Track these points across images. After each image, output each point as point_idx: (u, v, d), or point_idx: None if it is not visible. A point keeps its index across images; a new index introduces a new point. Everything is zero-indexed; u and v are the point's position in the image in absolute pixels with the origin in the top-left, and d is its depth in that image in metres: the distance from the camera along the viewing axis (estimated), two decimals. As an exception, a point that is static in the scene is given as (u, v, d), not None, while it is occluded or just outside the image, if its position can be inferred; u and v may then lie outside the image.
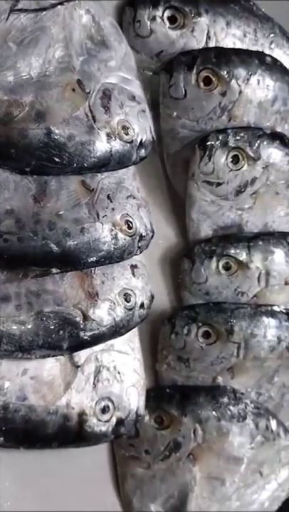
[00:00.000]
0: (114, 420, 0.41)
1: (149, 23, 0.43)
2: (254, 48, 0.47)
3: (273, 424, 0.48)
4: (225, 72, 0.43)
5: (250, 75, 0.44)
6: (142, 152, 0.42)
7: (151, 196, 0.46)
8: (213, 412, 0.45)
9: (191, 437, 0.44)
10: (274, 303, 0.48)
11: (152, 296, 0.44)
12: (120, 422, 0.42)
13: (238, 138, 0.44)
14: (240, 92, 0.44)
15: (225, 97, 0.44)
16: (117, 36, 0.41)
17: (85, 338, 0.38)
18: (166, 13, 0.43)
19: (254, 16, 0.47)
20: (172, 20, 0.44)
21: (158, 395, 0.45)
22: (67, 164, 0.37)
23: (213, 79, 0.43)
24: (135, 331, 0.44)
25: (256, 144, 0.45)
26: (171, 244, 0.48)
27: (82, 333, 0.38)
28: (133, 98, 0.41)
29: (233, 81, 0.44)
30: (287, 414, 0.50)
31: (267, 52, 0.48)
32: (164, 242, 0.48)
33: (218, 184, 0.45)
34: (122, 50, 0.42)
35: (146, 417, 0.44)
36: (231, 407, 0.45)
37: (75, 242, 0.37)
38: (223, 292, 0.47)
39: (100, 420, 0.40)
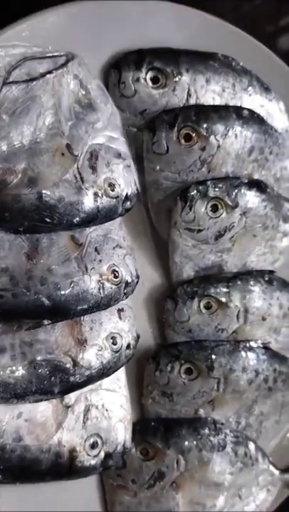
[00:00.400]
0: (102, 454, 0.44)
1: (133, 84, 0.46)
2: (233, 101, 0.50)
3: (252, 450, 0.51)
4: (204, 129, 0.46)
5: (228, 130, 0.47)
6: (128, 204, 0.44)
7: (137, 242, 0.49)
8: (195, 443, 0.48)
9: (174, 467, 0.47)
10: (253, 337, 0.51)
11: (138, 336, 0.47)
12: (108, 455, 0.45)
13: (216, 189, 0.47)
14: (219, 146, 0.47)
15: (204, 152, 0.47)
16: (103, 98, 0.44)
17: (75, 382, 0.41)
18: (149, 75, 0.46)
19: (233, 71, 0.50)
20: (155, 80, 0.46)
21: (143, 428, 0.48)
22: (58, 223, 0.40)
23: (193, 135, 0.46)
24: (122, 368, 0.47)
25: (234, 194, 0.48)
26: (156, 286, 0.51)
27: (72, 378, 0.41)
28: (119, 155, 0.44)
29: (212, 137, 0.46)
30: (265, 441, 0.53)
31: (245, 103, 0.51)
32: (149, 283, 0.51)
33: (199, 231, 0.48)
34: (108, 111, 0.44)
35: (133, 450, 0.47)
36: (212, 438, 0.49)
37: (65, 295, 0.40)
38: (204, 330, 0.50)
39: (89, 455, 0.44)
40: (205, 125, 0.46)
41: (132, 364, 0.49)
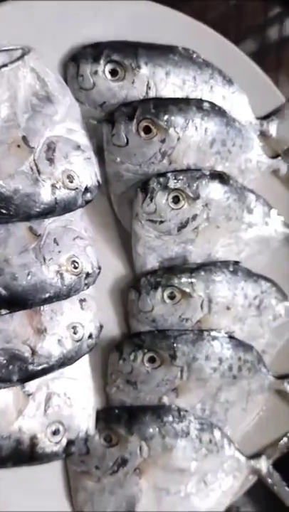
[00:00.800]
0: (64, 441, 0.45)
1: (91, 76, 0.46)
2: (194, 94, 0.50)
3: (217, 436, 0.52)
4: (163, 122, 0.47)
5: (188, 122, 0.48)
6: (88, 196, 0.45)
7: (100, 232, 0.50)
8: (158, 430, 0.49)
9: (138, 453, 0.48)
10: (217, 327, 0.52)
11: (101, 326, 0.48)
12: (71, 442, 0.46)
13: (176, 180, 0.48)
14: (179, 138, 0.48)
15: (164, 144, 0.47)
16: (61, 90, 0.45)
17: (34, 370, 0.42)
18: (107, 67, 0.47)
19: (193, 64, 0.50)
20: (113, 73, 0.47)
21: (107, 415, 0.49)
22: (14, 215, 0.41)
23: (153, 128, 0.47)
24: (86, 357, 0.47)
25: (195, 185, 0.49)
26: (120, 276, 0.52)
27: (31, 367, 0.42)
28: (78, 147, 0.45)
29: (172, 129, 0.47)
30: (231, 428, 0.54)
31: (207, 96, 0.51)
32: (113, 274, 0.51)
33: (161, 222, 0.49)
34: (67, 103, 0.45)
35: (96, 436, 0.48)
36: (175, 425, 0.49)
37: (22, 286, 0.41)
38: (168, 319, 0.51)
39: (51, 442, 0.44)
40: (164, 117, 0.47)
41: (97, 353, 0.50)
